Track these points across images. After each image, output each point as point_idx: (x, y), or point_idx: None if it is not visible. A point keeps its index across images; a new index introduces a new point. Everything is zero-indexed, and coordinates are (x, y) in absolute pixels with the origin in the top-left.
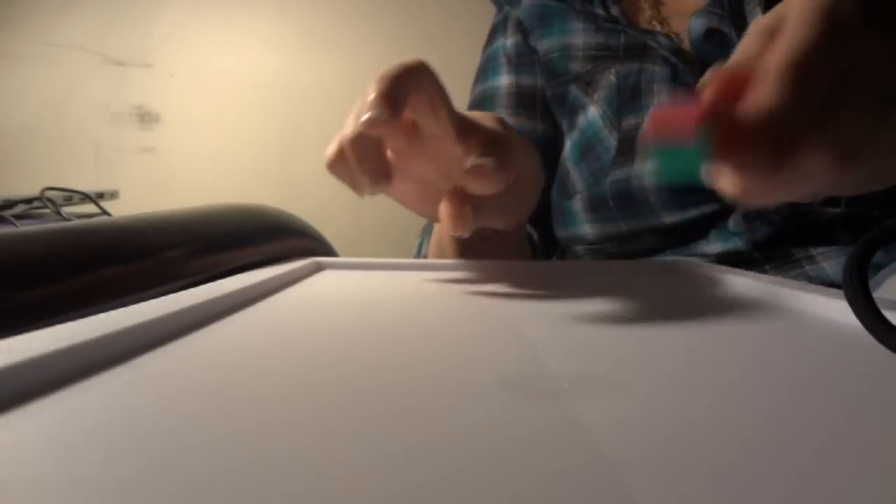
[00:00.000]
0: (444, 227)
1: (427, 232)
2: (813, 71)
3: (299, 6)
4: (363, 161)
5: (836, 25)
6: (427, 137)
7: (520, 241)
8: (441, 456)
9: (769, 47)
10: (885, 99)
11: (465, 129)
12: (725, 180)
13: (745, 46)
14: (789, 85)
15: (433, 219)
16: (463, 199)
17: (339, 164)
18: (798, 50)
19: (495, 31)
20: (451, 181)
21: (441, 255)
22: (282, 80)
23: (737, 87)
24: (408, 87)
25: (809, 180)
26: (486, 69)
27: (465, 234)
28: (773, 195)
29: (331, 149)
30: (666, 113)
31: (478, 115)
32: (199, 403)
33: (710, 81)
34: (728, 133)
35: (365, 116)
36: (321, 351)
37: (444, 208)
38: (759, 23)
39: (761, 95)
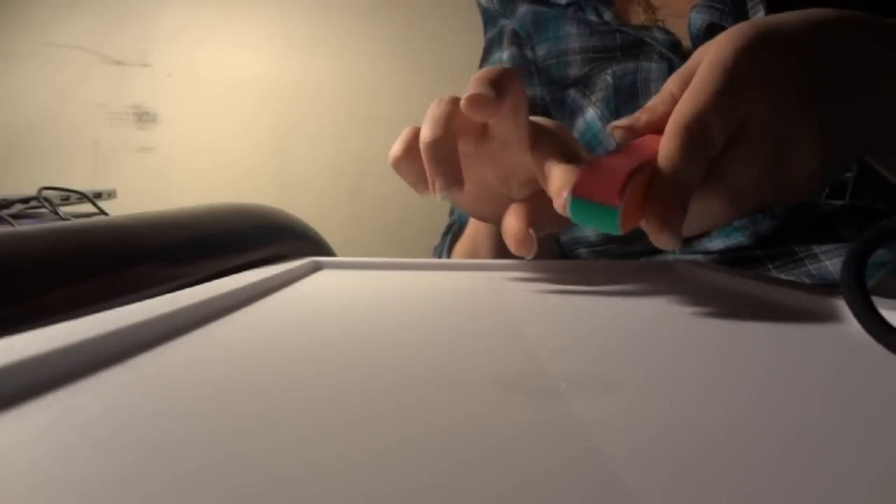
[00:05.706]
0: (509, 246)
1: (448, 237)
2: (703, 132)
3: (297, 7)
4: (440, 164)
5: (731, 84)
6: (496, 142)
7: (551, 245)
8: (438, 453)
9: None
10: (772, 149)
11: (538, 138)
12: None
13: (666, 89)
14: (681, 145)
15: (486, 219)
16: (525, 218)
17: (407, 162)
18: (692, 112)
19: (491, 45)
20: (508, 185)
21: (475, 257)
22: (279, 79)
23: (650, 141)
24: (506, 84)
25: (703, 221)
26: None
27: (530, 256)
28: (674, 240)
29: (398, 146)
30: (593, 176)
31: (546, 122)
32: (196, 403)
33: (628, 131)
34: (635, 195)
35: (469, 92)
36: (319, 350)
37: (508, 227)
38: (682, 69)
39: (660, 155)
